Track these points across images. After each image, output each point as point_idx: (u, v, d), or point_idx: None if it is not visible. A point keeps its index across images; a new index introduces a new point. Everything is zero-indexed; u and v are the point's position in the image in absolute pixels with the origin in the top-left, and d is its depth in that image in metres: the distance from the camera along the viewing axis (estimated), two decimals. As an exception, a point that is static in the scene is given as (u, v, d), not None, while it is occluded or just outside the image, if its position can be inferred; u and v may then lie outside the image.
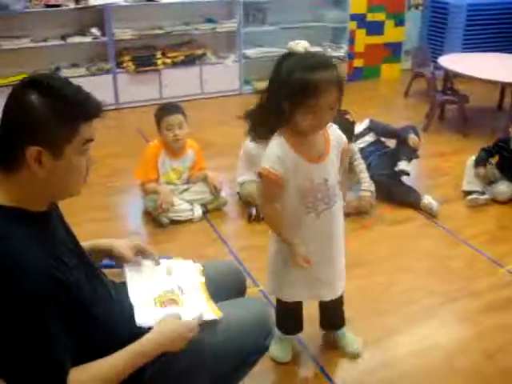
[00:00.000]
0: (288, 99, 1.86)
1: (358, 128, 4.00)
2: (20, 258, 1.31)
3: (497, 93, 5.94)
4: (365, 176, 3.70)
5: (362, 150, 3.92)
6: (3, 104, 1.39)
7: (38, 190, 1.42)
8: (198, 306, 1.74)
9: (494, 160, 3.99)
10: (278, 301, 2.32)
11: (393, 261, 3.22)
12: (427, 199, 3.72)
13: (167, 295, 1.75)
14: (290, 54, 1.94)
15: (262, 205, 2.03)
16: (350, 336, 2.50)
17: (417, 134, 4.03)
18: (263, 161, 1.96)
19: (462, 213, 3.78)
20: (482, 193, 3.87)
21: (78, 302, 1.43)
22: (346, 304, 2.79)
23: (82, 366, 1.42)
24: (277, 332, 2.31)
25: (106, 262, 1.88)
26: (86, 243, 1.73)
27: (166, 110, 3.53)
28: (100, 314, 1.54)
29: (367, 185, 3.67)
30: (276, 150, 1.94)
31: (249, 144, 3.54)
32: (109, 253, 1.85)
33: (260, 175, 1.98)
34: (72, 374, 1.39)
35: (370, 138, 4.11)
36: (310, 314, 2.49)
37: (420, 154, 4.06)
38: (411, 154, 3.94)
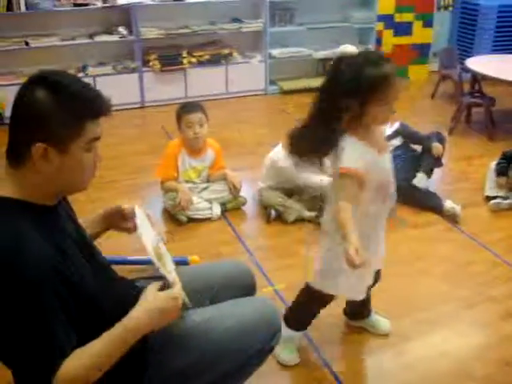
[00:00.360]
0: (359, 96, 1.89)
1: (388, 130, 3.96)
2: (22, 248, 1.32)
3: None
4: None
5: None
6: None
7: (45, 184, 1.43)
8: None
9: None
10: (312, 295, 2.29)
11: (412, 264, 3.18)
12: (449, 204, 3.66)
13: (157, 250, 1.72)
14: (345, 56, 1.96)
15: (342, 204, 1.98)
16: (380, 319, 2.59)
17: (441, 140, 3.97)
18: (344, 161, 1.95)
19: (483, 217, 3.72)
20: (506, 197, 3.80)
21: (82, 295, 1.44)
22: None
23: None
24: (284, 334, 2.27)
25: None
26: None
27: (186, 108, 3.55)
28: (106, 308, 1.55)
29: None
30: (352, 149, 1.96)
31: (278, 154, 3.55)
32: (102, 218, 1.83)
33: (343, 175, 1.98)
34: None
35: (397, 141, 4.05)
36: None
37: (445, 156, 4.01)
38: (433, 164, 3.90)
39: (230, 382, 1.83)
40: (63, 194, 1.55)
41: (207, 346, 1.70)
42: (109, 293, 1.61)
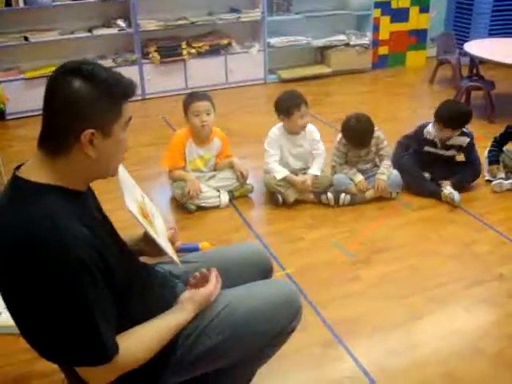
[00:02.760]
0: None
1: None
2: (65, 231, 1.36)
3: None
4: (384, 163, 3.73)
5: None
6: (43, 93, 1.45)
7: (85, 169, 1.48)
8: (168, 246, 1.83)
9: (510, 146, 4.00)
10: None
11: (419, 245, 3.23)
12: (448, 189, 3.67)
13: (141, 206, 1.78)
14: None
15: None
16: None
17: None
18: None
19: (487, 199, 3.77)
20: (507, 178, 3.85)
21: (112, 274, 1.49)
22: (372, 287, 2.85)
23: (124, 333, 1.50)
24: None
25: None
26: None
27: (194, 97, 3.58)
28: (136, 289, 1.61)
29: (383, 169, 3.69)
30: None
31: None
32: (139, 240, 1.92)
33: None
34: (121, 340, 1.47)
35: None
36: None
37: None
38: (467, 179, 3.87)
39: (254, 362, 1.89)
40: (96, 179, 1.59)
41: (232, 328, 1.74)
42: (133, 277, 1.65)
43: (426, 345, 2.46)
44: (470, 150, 3.82)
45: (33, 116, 5.18)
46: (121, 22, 5.60)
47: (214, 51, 6.08)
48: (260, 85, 6.47)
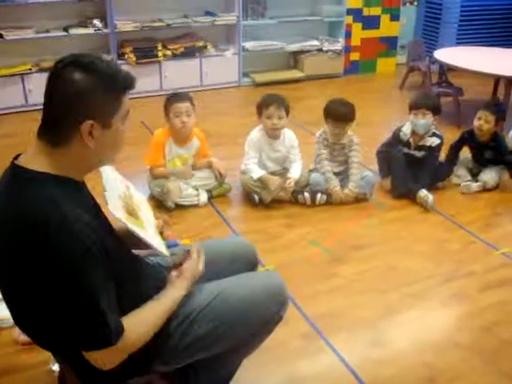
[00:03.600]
0: None
1: None
2: (71, 217, 1.40)
3: (490, 86, 6.07)
4: (355, 173, 3.82)
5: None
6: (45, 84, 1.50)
7: (83, 159, 1.52)
8: (156, 237, 1.88)
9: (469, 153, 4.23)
10: None
11: (393, 243, 3.34)
12: (423, 192, 3.78)
13: (126, 200, 1.81)
14: None
15: None
16: None
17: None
18: None
19: (457, 200, 3.91)
20: (476, 180, 4.01)
21: (112, 263, 1.53)
22: (350, 283, 2.94)
23: (129, 314, 1.56)
24: None
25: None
26: None
27: (175, 98, 3.63)
28: (129, 279, 1.66)
29: (353, 184, 3.78)
30: None
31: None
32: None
33: None
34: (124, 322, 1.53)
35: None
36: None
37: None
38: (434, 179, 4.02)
39: (242, 351, 1.95)
40: (94, 169, 1.63)
41: (222, 317, 1.79)
42: (127, 267, 1.70)
43: (403, 337, 2.56)
44: (436, 151, 3.96)
45: (9, 114, 5.15)
46: (97, 22, 5.61)
47: (190, 53, 6.13)
48: (234, 88, 6.54)
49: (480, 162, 4.13)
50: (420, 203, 3.77)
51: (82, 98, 1.45)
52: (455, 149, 4.19)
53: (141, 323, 1.59)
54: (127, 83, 1.55)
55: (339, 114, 3.73)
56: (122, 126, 1.57)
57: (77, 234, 1.39)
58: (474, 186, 3.98)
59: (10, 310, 1.60)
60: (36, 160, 1.49)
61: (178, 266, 1.85)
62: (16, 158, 1.53)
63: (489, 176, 4.02)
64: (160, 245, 1.88)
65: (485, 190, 4.01)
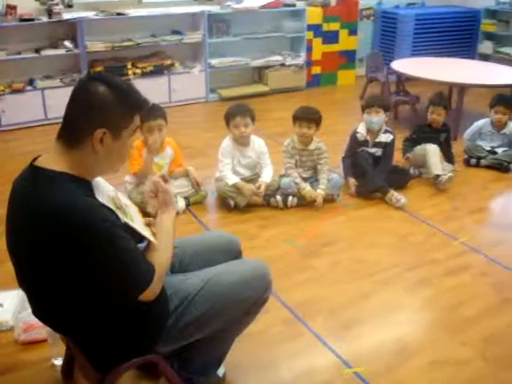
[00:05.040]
0: None
1: None
2: (95, 203, 1.67)
3: (445, 93, 6.44)
4: (324, 177, 4.08)
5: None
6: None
7: (92, 163, 1.73)
8: (146, 230, 2.00)
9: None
10: None
11: (361, 238, 3.61)
12: (394, 194, 4.04)
13: (115, 201, 1.94)
14: None
15: None
16: None
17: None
18: None
19: (419, 197, 4.22)
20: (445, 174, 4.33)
21: None
22: (324, 274, 3.17)
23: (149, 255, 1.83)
24: None
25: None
26: None
27: (148, 114, 3.76)
28: None
29: (323, 187, 4.04)
30: None
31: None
32: None
33: None
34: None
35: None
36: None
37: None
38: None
39: (233, 331, 2.15)
40: (100, 174, 1.84)
41: (215, 298, 2.00)
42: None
43: (375, 318, 2.81)
44: (391, 146, 4.30)
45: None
46: (68, 43, 5.77)
47: (158, 71, 6.34)
48: (202, 103, 6.77)
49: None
50: (390, 203, 4.04)
51: (101, 107, 1.67)
52: (411, 140, 4.65)
53: (160, 257, 1.84)
54: (141, 103, 1.78)
55: (308, 113, 4.05)
56: (129, 140, 1.78)
57: (103, 213, 1.65)
58: (445, 178, 4.30)
59: (33, 300, 1.84)
60: (54, 161, 1.70)
61: (152, 197, 2.04)
62: (35, 159, 1.74)
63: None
64: (151, 235, 2.07)
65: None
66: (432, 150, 4.41)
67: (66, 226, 1.59)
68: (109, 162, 1.78)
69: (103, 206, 1.70)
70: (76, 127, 1.70)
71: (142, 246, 2.00)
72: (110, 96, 1.68)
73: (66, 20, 5.69)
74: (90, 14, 5.88)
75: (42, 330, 2.55)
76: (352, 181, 4.25)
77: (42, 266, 1.67)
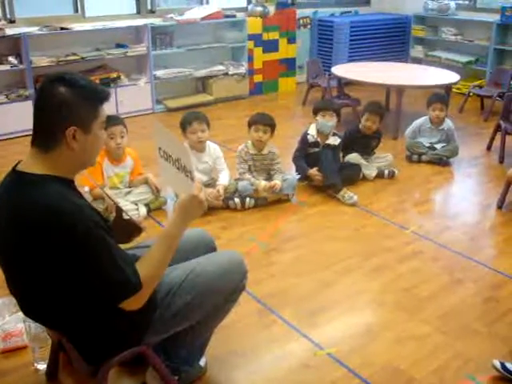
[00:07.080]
0: None
1: None
2: (79, 202, 1.76)
3: (382, 95, 6.78)
4: (278, 177, 4.30)
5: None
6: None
7: (71, 160, 1.83)
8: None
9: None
10: None
11: (318, 233, 3.81)
12: (345, 192, 4.27)
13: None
14: None
15: None
16: None
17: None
18: None
19: (368, 192, 4.48)
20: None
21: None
22: (287, 268, 3.34)
23: (141, 261, 1.89)
24: None
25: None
26: None
27: (109, 121, 3.89)
28: None
29: (277, 181, 4.24)
30: None
31: None
32: None
33: None
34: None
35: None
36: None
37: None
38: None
39: (215, 319, 2.28)
40: (81, 169, 1.94)
41: (199, 288, 2.13)
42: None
43: (340, 304, 3.01)
44: (339, 148, 4.56)
45: None
46: (12, 59, 5.75)
47: (104, 84, 6.36)
48: (149, 114, 6.85)
49: (367, 151, 4.84)
50: (343, 201, 4.26)
51: (65, 107, 1.76)
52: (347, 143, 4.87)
53: (150, 266, 1.89)
54: (104, 95, 1.88)
55: (264, 118, 4.26)
56: (100, 131, 1.88)
57: (87, 214, 1.74)
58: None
59: (22, 299, 1.92)
60: (33, 164, 1.79)
61: None
62: (16, 165, 1.82)
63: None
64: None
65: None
66: (353, 159, 4.74)
67: (52, 228, 1.67)
68: (86, 156, 1.86)
69: (88, 206, 1.80)
70: (47, 131, 1.78)
71: (137, 250, 2.12)
72: (71, 94, 1.76)
73: (10, 36, 5.68)
74: (34, 29, 5.88)
75: (20, 338, 2.61)
76: (314, 171, 4.44)
77: (30, 267, 1.76)
